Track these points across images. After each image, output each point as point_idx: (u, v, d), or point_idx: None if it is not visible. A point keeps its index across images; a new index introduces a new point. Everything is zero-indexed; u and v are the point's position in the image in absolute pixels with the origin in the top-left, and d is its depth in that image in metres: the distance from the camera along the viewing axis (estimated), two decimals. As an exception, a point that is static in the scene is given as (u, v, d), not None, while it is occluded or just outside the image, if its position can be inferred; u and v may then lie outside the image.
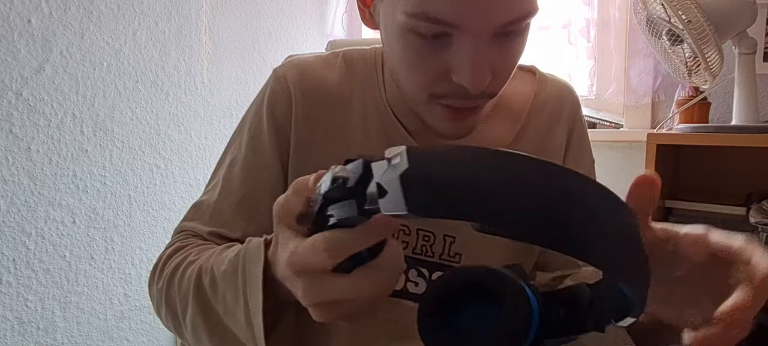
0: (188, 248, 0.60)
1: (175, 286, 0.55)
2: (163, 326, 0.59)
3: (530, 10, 0.51)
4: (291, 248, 0.39)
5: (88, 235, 1.37)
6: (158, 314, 0.60)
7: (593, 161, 0.74)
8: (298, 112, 0.64)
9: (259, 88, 0.69)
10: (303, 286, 0.38)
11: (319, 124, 0.64)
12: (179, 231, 0.65)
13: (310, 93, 0.65)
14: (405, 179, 0.31)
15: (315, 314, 0.39)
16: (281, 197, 0.41)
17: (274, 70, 0.67)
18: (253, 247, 0.46)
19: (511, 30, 0.52)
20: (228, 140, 0.70)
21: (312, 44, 2.01)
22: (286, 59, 0.70)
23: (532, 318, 0.35)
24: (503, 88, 0.69)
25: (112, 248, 1.42)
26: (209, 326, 0.51)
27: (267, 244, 0.45)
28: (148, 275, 0.62)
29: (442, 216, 0.31)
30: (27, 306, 1.26)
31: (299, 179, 0.41)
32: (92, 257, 1.38)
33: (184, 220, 0.66)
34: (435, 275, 0.65)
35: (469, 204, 0.31)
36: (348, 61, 0.68)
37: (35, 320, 1.28)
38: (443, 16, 0.48)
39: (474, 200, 0.31)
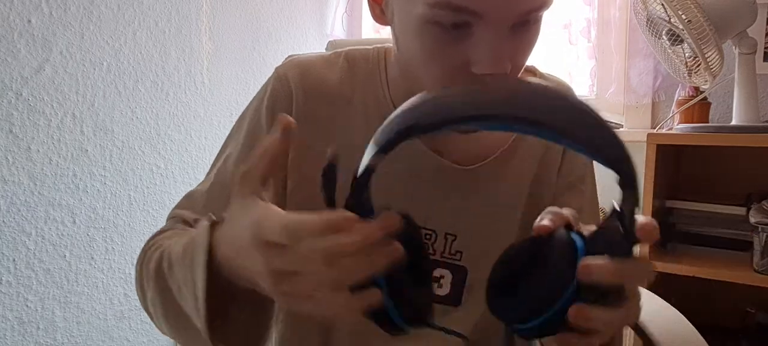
0: (168, 232, 0.61)
1: (144, 268, 0.56)
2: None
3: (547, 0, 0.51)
4: (272, 211, 0.40)
5: (88, 235, 1.37)
6: (143, 304, 0.61)
7: (592, 160, 0.74)
8: (299, 111, 0.64)
9: (259, 89, 0.69)
10: (263, 253, 0.38)
11: (320, 123, 0.64)
12: (170, 217, 0.65)
13: (312, 92, 0.65)
14: (378, 132, 0.39)
15: (271, 284, 0.39)
16: (244, 166, 0.43)
17: (276, 69, 0.67)
18: (200, 229, 0.47)
19: (528, 20, 0.52)
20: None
21: (312, 44, 2.01)
22: (286, 59, 0.70)
23: (576, 254, 0.40)
24: None
25: (112, 248, 1.42)
26: (166, 309, 0.52)
27: (213, 225, 0.46)
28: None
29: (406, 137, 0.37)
30: (27, 306, 1.26)
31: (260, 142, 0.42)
32: (92, 257, 1.38)
33: (176, 207, 0.66)
34: (436, 273, 0.65)
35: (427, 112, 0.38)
36: (350, 61, 0.68)
37: (35, 320, 1.28)
38: (466, 3, 0.48)
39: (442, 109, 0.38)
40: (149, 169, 1.49)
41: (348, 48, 0.70)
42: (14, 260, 1.23)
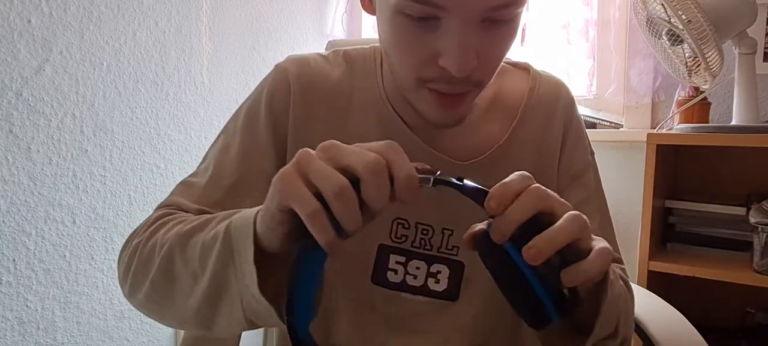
0: (179, 214, 0.59)
1: (158, 234, 0.55)
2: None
3: None
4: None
5: (88, 235, 1.37)
6: (125, 273, 0.59)
7: (592, 153, 0.74)
8: (297, 105, 0.65)
9: (258, 83, 0.70)
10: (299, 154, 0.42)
11: (318, 118, 0.65)
12: (166, 205, 0.63)
13: (310, 87, 0.66)
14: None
15: (292, 165, 0.42)
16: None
17: (276, 65, 0.68)
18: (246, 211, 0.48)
19: (498, 17, 0.52)
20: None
21: (312, 44, 2.01)
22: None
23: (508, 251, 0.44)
24: (497, 85, 0.69)
25: (112, 248, 1.42)
26: (181, 263, 0.50)
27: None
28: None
29: None
30: (27, 306, 1.26)
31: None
32: (92, 257, 1.38)
33: (172, 195, 0.64)
34: (433, 268, 0.65)
35: None
36: (348, 59, 0.70)
37: (35, 320, 1.28)
38: None
39: None
40: (149, 169, 1.49)
41: (346, 47, 0.72)
42: (14, 260, 1.23)
